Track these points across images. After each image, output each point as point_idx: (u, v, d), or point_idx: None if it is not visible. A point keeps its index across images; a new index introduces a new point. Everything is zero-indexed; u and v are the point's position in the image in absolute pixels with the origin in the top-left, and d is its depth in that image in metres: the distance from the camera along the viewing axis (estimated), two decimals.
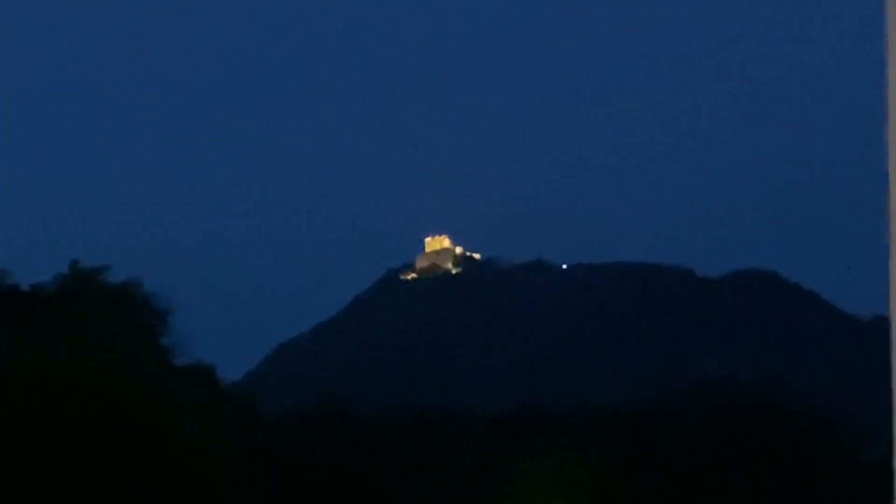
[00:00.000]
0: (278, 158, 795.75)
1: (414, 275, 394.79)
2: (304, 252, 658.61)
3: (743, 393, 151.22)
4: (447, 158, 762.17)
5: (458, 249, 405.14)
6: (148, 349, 66.32)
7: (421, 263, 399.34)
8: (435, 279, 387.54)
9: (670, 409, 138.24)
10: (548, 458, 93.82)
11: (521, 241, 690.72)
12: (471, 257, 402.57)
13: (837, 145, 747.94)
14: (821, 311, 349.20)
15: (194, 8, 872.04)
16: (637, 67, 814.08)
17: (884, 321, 9.32)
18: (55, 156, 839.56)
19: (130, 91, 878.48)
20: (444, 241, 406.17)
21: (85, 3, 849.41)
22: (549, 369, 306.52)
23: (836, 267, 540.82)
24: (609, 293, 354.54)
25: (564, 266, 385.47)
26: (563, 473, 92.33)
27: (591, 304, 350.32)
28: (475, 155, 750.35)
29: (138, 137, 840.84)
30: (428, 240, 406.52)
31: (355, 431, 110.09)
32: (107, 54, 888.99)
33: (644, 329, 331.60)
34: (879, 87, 8.50)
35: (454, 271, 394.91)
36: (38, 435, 53.34)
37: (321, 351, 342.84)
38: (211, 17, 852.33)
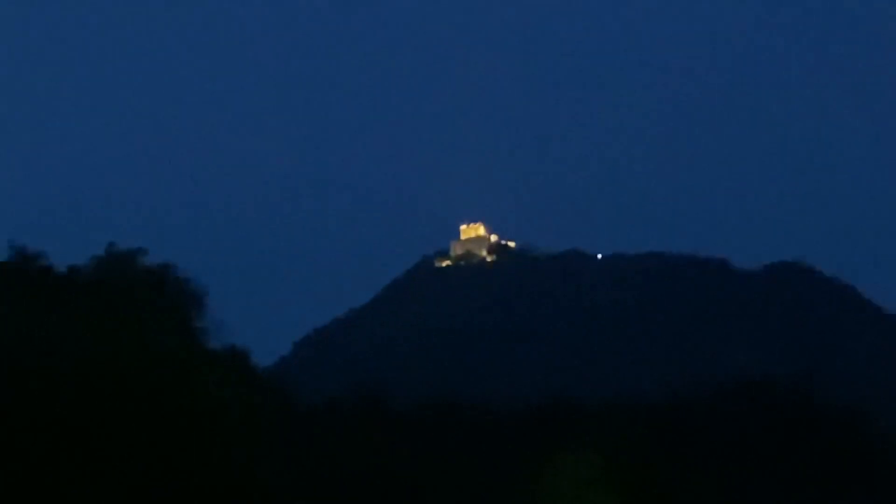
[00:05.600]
0: (315, 145, 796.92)
1: (448, 262, 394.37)
2: (340, 239, 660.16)
3: (778, 387, 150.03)
4: (484, 147, 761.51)
5: (493, 237, 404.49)
6: (183, 332, 66.17)
7: (455, 251, 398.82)
8: (469, 267, 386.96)
9: (704, 403, 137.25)
10: (579, 450, 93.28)
11: (557, 230, 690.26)
12: (505, 245, 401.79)
13: (877, 139, 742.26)
14: (857, 306, 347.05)
15: None
16: (673, 59, 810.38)
17: None
18: (93, 140, 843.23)
19: (169, 74, 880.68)
20: (479, 229, 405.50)
21: None
22: (582, 360, 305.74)
23: (874, 261, 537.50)
24: (643, 284, 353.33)
25: (599, 256, 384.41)
26: (595, 466, 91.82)
27: (625, 294, 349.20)
28: (512, 144, 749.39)
29: (175, 121, 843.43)
30: (463, 227, 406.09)
31: (387, 419, 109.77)
32: (142, 39, 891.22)
33: (678, 321, 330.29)
34: None
35: (489, 259, 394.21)
36: (72, 417, 53.26)
37: (354, 338, 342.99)
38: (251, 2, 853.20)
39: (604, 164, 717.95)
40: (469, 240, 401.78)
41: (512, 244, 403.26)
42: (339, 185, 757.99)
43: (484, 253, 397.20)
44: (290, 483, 65.86)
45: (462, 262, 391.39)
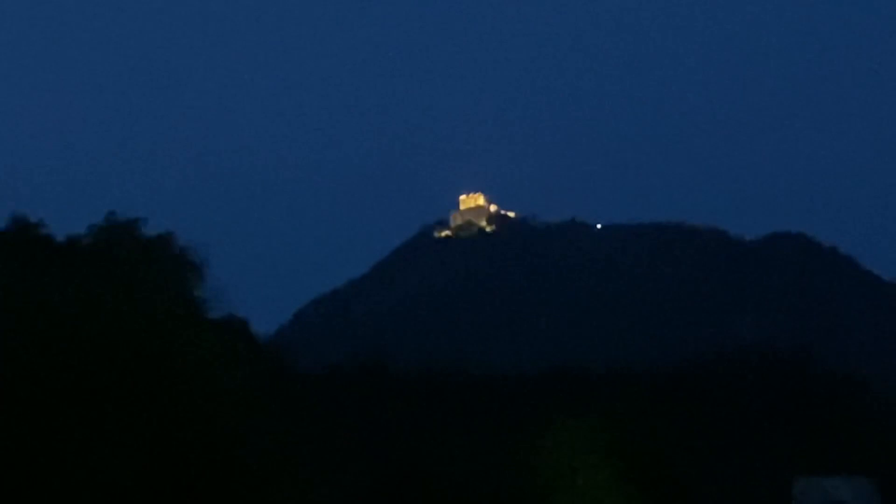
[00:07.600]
0: (315, 115, 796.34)
1: (448, 232, 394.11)
2: (340, 208, 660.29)
3: (777, 355, 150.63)
4: (484, 117, 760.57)
5: (493, 207, 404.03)
6: (182, 301, 66.21)
7: (455, 221, 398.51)
8: (469, 237, 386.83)
9: (704, 370, 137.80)
10: (579, 417, 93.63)
11: (556, 200, 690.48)
12: (505, 215, 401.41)
13: (876, 110, 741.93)
14: (855, 276, 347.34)
15: None
16: (672, 31, 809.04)
17: None
18: (93, 109, 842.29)
19: (168, 42, 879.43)
20: (479, 199, 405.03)
21: None
22: (581, 329, 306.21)
23: (872, 231, 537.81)
24: (643, 254, 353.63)
25: (599, 226, 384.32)
26: (595, 433, 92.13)
27: (624, 264, 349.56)
28: (512, 114, 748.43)
29: (175, 92, 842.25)
30: (463, 197, 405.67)
31: (387, 386, 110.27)
32: (146, 13, 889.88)
33: (678, 290, 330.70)
34: None
35: (488, 229, 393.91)
36: (72, 386, 53.45)
37: (355, 306, 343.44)
38: None
39: (604, 135, 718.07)
40: (469, 210, 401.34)
41: (512, 214, 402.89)
42: (341, 156, 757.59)
43: (483, 223, 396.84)
44: (291, 448, 66.16)
45: (462, 233, 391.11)
